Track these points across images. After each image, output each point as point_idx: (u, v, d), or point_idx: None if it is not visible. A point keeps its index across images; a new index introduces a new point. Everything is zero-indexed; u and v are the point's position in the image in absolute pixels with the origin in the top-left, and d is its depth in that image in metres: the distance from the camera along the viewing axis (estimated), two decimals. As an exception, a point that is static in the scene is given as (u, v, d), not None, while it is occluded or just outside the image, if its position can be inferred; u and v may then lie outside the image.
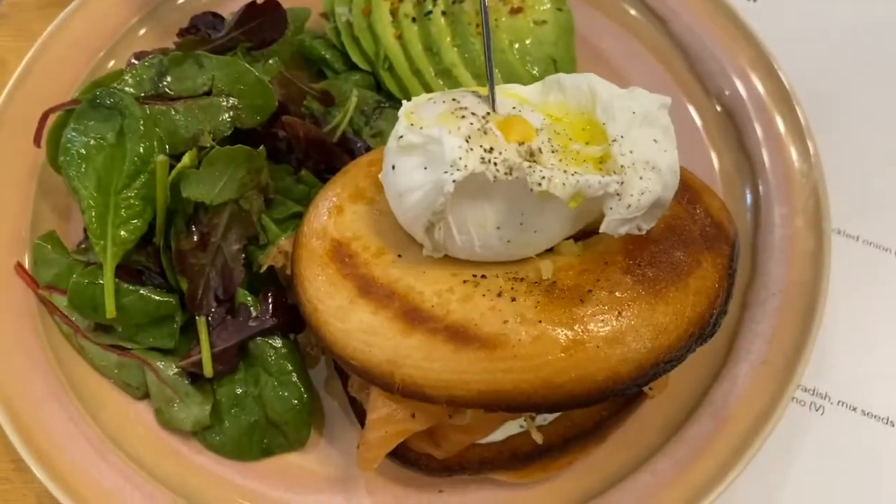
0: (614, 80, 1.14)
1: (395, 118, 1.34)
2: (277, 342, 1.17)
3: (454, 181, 0.91)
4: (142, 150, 1.16)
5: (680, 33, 1.46)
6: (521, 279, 0.98)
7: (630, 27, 1.50)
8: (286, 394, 1.16)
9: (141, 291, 1.16)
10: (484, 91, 1.03)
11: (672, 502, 1.09)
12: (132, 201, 1.15)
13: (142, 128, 1.17)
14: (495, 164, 0.92)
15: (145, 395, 1.20)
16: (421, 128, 0.96)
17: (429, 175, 0.95)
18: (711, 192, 1.11)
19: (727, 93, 1.40)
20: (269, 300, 1.18)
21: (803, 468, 1.22)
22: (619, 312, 0.95)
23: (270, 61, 1.28)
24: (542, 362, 0.93)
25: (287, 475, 1.16)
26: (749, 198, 1.32)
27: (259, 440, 1.17)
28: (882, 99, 1.51)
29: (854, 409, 1.26)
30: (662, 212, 0.98)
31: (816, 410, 1.26)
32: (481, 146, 0.93)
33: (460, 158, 0.91)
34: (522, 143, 0.94)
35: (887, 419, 1.25)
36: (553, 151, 0.96)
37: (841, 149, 1.44)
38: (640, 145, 0.96)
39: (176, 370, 1.17)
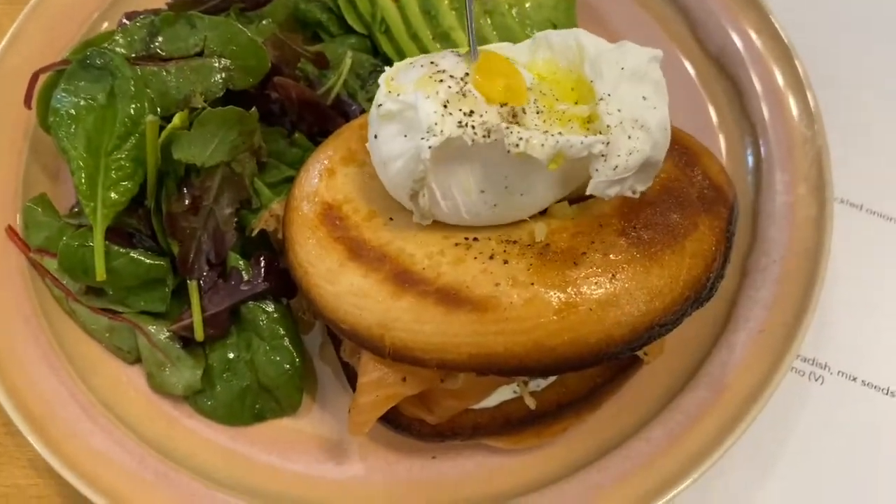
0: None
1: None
2: (269, 306, 1.16)
3: (430, 147, 0.89)
4: (132, 111, 1.15)
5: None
6: (514, 242, 0.96)
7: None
8: (278, 358, 1.15)
9: (131, 254, 1.15)
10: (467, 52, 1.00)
11: (666, 470, 1.07)
12: (122, 163, 1.14)
13: (132, 88, 1.15)
14: (473, 126, 0.90)
15: (137, 360, 1.19)
16: (399, 95, 0.94)
17: (408, 142, 0.93)
18: (710, 154, 1.09)
19: (726, 50, 1.37)
20: (261, 264, 1.16)
21: (801, 438, 1.20)
22: (614, 275, 0.93)
23: (264, 22, 1.26)
24: (533, 325, 0.91)
25: (278, 440, 1.15)
26: (751, 160, 1.30)
27: (251, 405, 1.16)
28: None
29: (854, 380, 1.25)
30: (655, 172, 0.97)
31: (816, 380, 1.25)
32: (460, 110, 0.92)
33: (436, 124, 0.90)
34: (504, 104, 0.93)
35: (888, 390, 1.24)
36: (538, 112, 0.94)
37: (847, 116, 1.42)
38: (628, 103, 0.94)
39: (167, 334, 1.17)
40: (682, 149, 1.07)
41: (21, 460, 1.21)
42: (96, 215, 1.12)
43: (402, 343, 0.94)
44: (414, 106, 0.92)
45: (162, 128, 1.15)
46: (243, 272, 1.16)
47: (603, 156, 0.92)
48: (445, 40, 1.38)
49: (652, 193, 1.00)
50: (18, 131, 1.29)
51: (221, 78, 1.19)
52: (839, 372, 1.25)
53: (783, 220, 1.22)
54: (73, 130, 1.14)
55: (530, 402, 1.05)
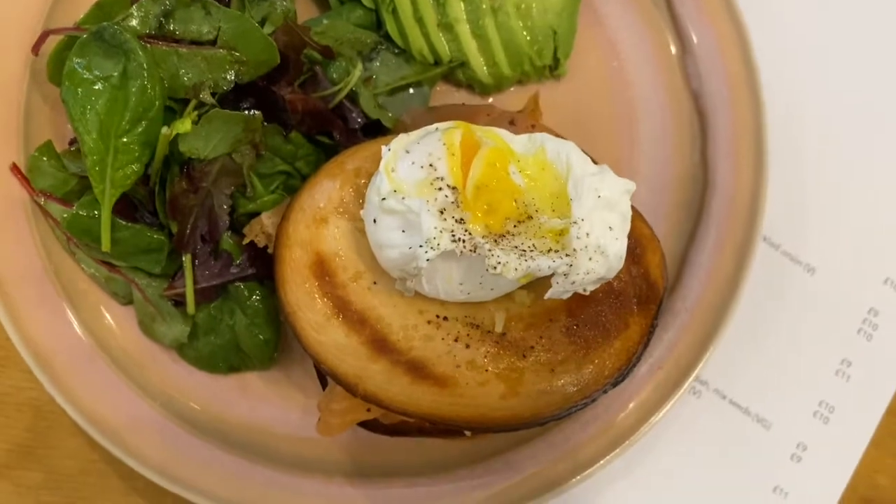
0: (607, 48, 1.30)
1: (391, 63, 1.40)
2: (254, 289, 1.31)
3: (428, 259, 1.04)
4: (144, 96, 1.19)
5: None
6: (477, 326, 1.14)
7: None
8: (257, 332, 1.32)
9: (135, 227, 1.26)
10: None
11: (560, 469, 1.36)
12: (132, 146, 1.21)
13: (145, 73, 1.19)
14: (463, 242, 1.05)
15: (130, 302, 1.35)
16: (403, 198, 1.06)
17: (406, 238, 1.07)
18: (655, 245, 1.25)
19: (704, 89, 1.47)
20: (251, 253, 1.30)
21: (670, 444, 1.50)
22: (553, 370, 1.14)
23: (278, 9, 1.27)
24: (481, 402, 1.13)
25: (248, 391, 1.37)
26: (692, 220, 1.45)
27: (228, 360, 1.35)
28: (840, 108, 1.60)
29: (724, 398, 1.53)
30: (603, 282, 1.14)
31: (694, 394, 1.53)
32: (453, 217, 1.07)
33: (434, 238, 1.04)
34: (489, 231, 1.06)
35: (746, 409, 1.53)
36: (517, 225, 1.08)
37: (786, 150, 1.56)
38: (597, 231, 1.09)
39: (160, 293, 1.32)
40: (634, 241, 1.22)
41: (22, 364, 1.38)
42: (104, 196, 1.21)
43: (372, 393, 1.14)
44: (417, 215, 1.05)
45: (169, 110, 1.22)
46: (233, 255, 1.30)
47: (565, 274, 1.08)
48: (449, 31, 1.41)
49: (596, 291, 1.17)
50: (18, 61, 1.31)
51: (232, 72, 1.23)
52: (714, 389, 1.53)
53: (705, 275, 1.42)
54: (86, 111, 1.18)
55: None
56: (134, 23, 1.21)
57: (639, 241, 1.24)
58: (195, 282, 1.29)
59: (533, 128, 1.34)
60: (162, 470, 1.26)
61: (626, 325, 1.19)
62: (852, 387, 1.55)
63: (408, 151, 1.12)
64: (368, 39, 1.39)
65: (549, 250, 1.08)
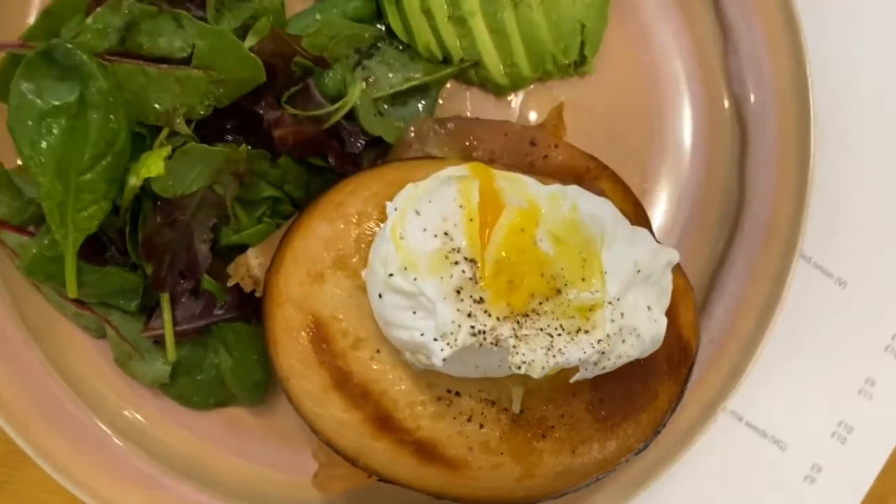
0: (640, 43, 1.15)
1: (392, 61, 1.22)
2: (241, 331, 1.18)
3: (444, 359, 0.91)
4: (107, 128, 1.02)
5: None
6: (493, 403, 1.03)
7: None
8: (244, 373, 1.21)
9: (104, 269, 1.12)
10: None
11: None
12: (96, 184, 1.04)
13: (107, 100, 1.01)
14: (483, 335, 0.92)
15: (103, 336, 1.22)
16: (415, 278, 0.92)
17: (417, 322, 0.94)
18: (689, 299, 1.13)
19: (746, 94, 1.30)
20: (237, 293, 1.16)
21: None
22: (574, 450, 1.04)
23: (263, 11, 1.07)
24: (496, 486, 1.03)
25: (236, 429, 1.26)
26: (721, 243, 1.32)
27: (214, 396, 1.24)
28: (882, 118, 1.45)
29: (741, 420, 1.46)
30: (634, 359, 1.02)
31: (710, 415, 1.45)
32: (471, 298, 0.93)
33: (452, 333, 0.90)
34: (511, 310, 0.93)
35: (764, 432, 1.46)
36: (541, 303, 0.95)
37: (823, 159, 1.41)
38: (633, 312, 0.97)
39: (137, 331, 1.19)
40: (666, 296, 1.09)
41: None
42: (67, 241, 1.06)
43: (374, 469, 1.04)
44: (432, 303, 0.91)
45: (138, 136, 1.05)
46: (216, 297, 1.16)
47: (595, 363, 0.96)
48: (461, 25, 1.22)
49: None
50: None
51: (208, 95, 1.04)
52: (731, 411, 1.45)
53: (733, 303, 1.30)
54: (39, 149, 1.01)
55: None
56: (90, 37, 1.01)
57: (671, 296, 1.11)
58: (175, 323, 1.16)
59: (556, 147, 1.18)
60: (148, 525, 1.17)
61: (655, 394, 1.08)
62: (874, 407, 1.47)
63: (418, 213, 0.96)
64: (367, 34, 1.19)
65: (577, 331, 0.96)
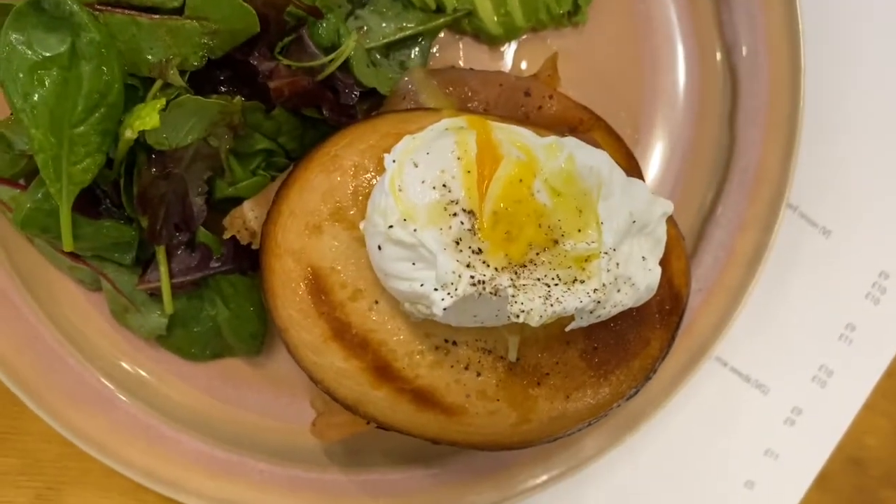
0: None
1: (386, 10, 1.21)
2: (237, 283, 1.19)
3: (444, 308, 0.92)
4: (100, 80, 1.01)
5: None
6: (489, 351, 1.04)
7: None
8: (241, 325, 1.22)
9: (98, 223, 1.11)
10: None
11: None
12: (90, 137, 1.03)
13: (99, 51, 0.99)
14: (483, 284, 0.93)
15: (99, 288, 1.22)
16: (415, 229, 0.92)
17: (417, 272, 0.95)
18: (681, 249, 1.14)
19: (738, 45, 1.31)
20: (233, 246, 1.16)
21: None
22: (568, 396, 1.07)
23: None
24: (492, 431, 1.06)
25: (235, 378, 1.28)
26: (712, 191, 1.33)
27: (212, 347, 1.25)
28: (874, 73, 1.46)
29: (725, 365, 1.49)
30: (628, 308, 1.04)
31: (695, 361, 1.48)
32: (470, 249, 0.94)
33: (452, 283, 0.92)
34: (509, 261, 0.94)
35: (748, 377, 1.50)
36: (539, 252, 0.96)
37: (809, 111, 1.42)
38: (629, 262, 0.98)
39: (132, 284, 1.19)
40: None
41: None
42: (62, 195, 1.05)
43: (373, 416, 1.06)
44: (432, 253, 0.92)
45: (131, 87, 1.04)
46: (212, 249, 1.16)
47: (591, 311, 0.98)
48: (464, -17, 1.20)
49: (619, 309, 1.08)
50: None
51: (203, 47, 1.03)
52: (716, 357, 1.49)
53: (722, 253, 1.32)
54: (31, 102, 0.99)
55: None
56: (81, -13, 0.99)
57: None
58: (171, 276, 1.16)
59: (551, 98, 1.18)
60: (148, 472, 1.19)
61: (647, 341, 1.10)
62: (853, 351, 1.51)
63: (416, 165, 0.97)
64: (359, -17, 1.18)
65: (574, 280, 0.97)
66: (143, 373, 1.25)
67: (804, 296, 1.49)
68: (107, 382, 1.22)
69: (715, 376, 1.48)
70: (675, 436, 1.47)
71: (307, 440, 1.23)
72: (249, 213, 1.12)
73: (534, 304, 0.94)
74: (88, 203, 1.11)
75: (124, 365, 1.24)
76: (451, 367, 1.04)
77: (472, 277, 0.93)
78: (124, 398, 1.23)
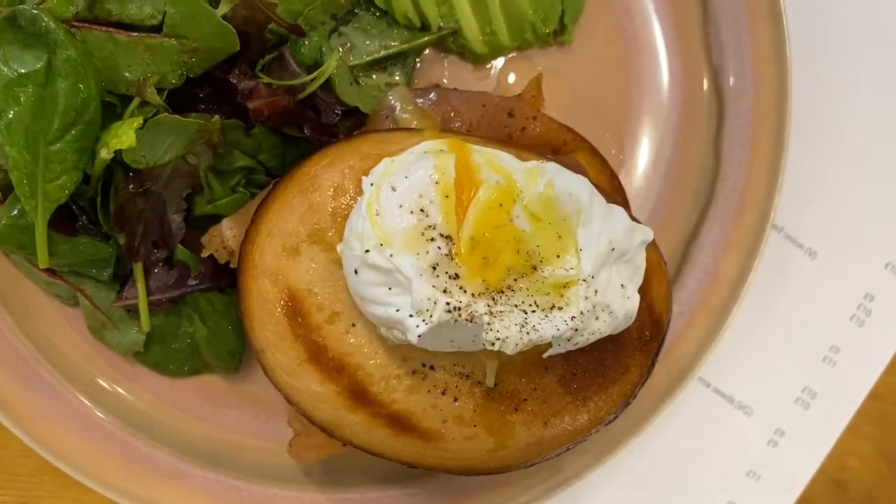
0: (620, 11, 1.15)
1: (370, 28, 1.20)
2: (215, 301, 1.18)
3: (419, 336, 0.91)
4: (77, 97, 0.99)
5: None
6: (467, 376, 1.04)
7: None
8: (218, 342, 1.21)
9: (76, 239, 1.10)
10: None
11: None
12: (66, 154, 1.02)
13: (76, 70, 0.98)
14: (458, 311, 0.92)
15: (76, 304, 1.21)
16: (391, 255, 0.91)
17: (393, 297, 0.94)
18: (662, 274, 1.13)
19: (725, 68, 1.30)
20: (211, 263, 1.15)
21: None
22: (546, 422, 1.06)
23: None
24: (469, 456, 1.05)
25: (212, 394, 1.27)
26: (695, 216, 1.33)
27: (189, 364, 1.24)
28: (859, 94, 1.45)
29: (708, 386, 1.49)
30: (606, 335, 1.04)
31: (678, 382, 1.47)
32: (447, 274, 0.94)
33: (427, 310, 0.91)
34: (486, 287, 0.93)
35: (731, 398, 1.49)
36: (516, 279, 0.95)
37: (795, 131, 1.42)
38: (607, 289, 0.98)
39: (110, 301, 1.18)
40: (639, 271, 1.10)
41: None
42: (37, 212, 1.04)
43: (349, 439, 1.05)
44: (408, 279, 0.91)
45: (108, 104, 1.03)
46: (190, 267, 1.15)
47: (568, 339, 0.97)
48: (443, 2, 1.19)
49: (598, 335, 1.07)
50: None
51: (181, 64, 1.02)
52: (699, 378, 1.48)
53: (706, 276, 1.31)
54: (6, 119, 0.98)
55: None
56: (57, 3, 0.98)
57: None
58: (149, 293, 1.15)
59: (534, 119, 1.18)
60: (123, 490, 1.18)
61: (626, 367, 1.10)
62: (837, 373, 1.51)
63: (394, 189, 0.96)
64: (344, 0, 1.17)
65: (551, 307, 0.97)
66: (120, 389, 1.24)
67: (789, 317, 1.48)
68: (83, 399, 1.21)
69: (698, 397, 1.47)
70: (658, 456, 1.47)
71: (285, 459, 1.22)
72: (228, 232, 1.11)
73: (510, 331, 0.93)
74: (65, 220, 1.10)
75: (101, 381, 1.23)
76: (429, 391, 1.03)
77: (447, 304, 0.92)
78: (101, 415, 1.22)
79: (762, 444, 1.50)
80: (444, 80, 1.28)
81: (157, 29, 1.01)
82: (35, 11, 0.96)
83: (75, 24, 0.99)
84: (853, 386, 1.52)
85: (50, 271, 1.16)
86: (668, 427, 1.46)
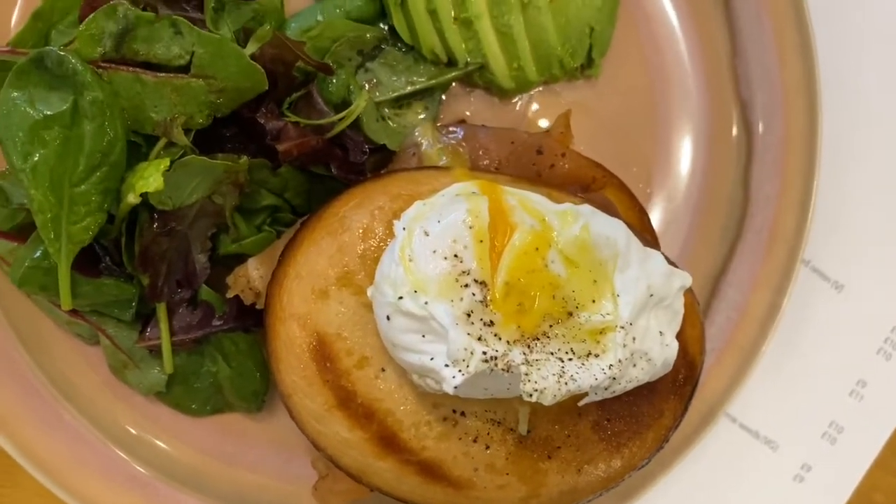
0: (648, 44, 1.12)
1: (396, 63, 1.18)
2: (239, 339, 1.16)
3: (455, 387, 0.89)
4: (103, 139, 0.98)
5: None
6: (499, 423, 1.01)
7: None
8: (242, 382, 1.18)
9: (99, 280, 1.08)
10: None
11: None
12: (91, 196, 1.00)
13: (103, 112, 0.96)
14: (495, 360, 0.90)
15: (97, 343, 1.19)
16: (426, 302, 0.89)
17: (427, 345, 0.92)
18: (696, 316, 1.11)
19: (754, 100, 1.28)
20: (236, 304, 1.13)
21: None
22: (580, 470, 1.04)
23: (265, 25, 1.02)
24: (499, 504, 1.03)
25: (234, 433, 1.24)
26: (725, 248, 1.31)
27: (212, 403, 1.22)
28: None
29: (734, 421, 1.46)
30: (643, 382, 1.02)
31: (704, 417, 1.45)
32: (482, 321, 0.92)
33: (464, 360, 0.89)
34: (521, 334, 0.91)
35: (757, 433, 1.47)
36: (551, 325, 0.93)
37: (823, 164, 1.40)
38: (645, 336, 0.96)
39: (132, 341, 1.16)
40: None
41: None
42: (61, 254, 1.02)
43: (378, 486, 1.03)
44: (443, 328, 0.89)
45: (133, 144, 1.01)
46: (215, 307, 1.13)
47: (605, 388, 0.95)
48: (467, 27, 1.18)
49: (632, 381, 1.05)
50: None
51: (208, 104, 1.00)
52: (725, 413, 1.46)
53: (735, 313, 1.29)
54: (31, 161, 0.96)
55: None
56: (84, 44, 0.96)
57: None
58: (172, 333, 1.13)
59: (563, 156, 1.16)
60: (144, 535, 1.16)
61: (661, 412, 1.07)
62: (864, 408, 1.49)
63: (427, 233, 0.94)
64: (370, 35, 1.15)
65: (588, 354, 0.94)
66: (142, 429, 1.21)
67: (815, 351, 1.46)
68: (104, 439, 1.18)
69: (724, 432, 1.45)
70: (684, 492, 1.44)
71: (308, 501, 1.20)
72: (254, 273, 1.08)
73: (547, 381, 0.91)
74: (88, 261, 1.08)
75: (121, 421, 1.21)
76: (460, 439, 1.01)
77: (484, 353, 0.90)
78: (121, 454, 1.19)
79: (788, 480, 1.48)
80: (468, 114, 1.27)
81: (184, 69, 0.99)
82: (62, 53, 0.94)
83: (102, 64, 0.98)
84: (880, 420, 1.49)
85: (71, 311, 1.13)
86: (693, 462, 1.43)
